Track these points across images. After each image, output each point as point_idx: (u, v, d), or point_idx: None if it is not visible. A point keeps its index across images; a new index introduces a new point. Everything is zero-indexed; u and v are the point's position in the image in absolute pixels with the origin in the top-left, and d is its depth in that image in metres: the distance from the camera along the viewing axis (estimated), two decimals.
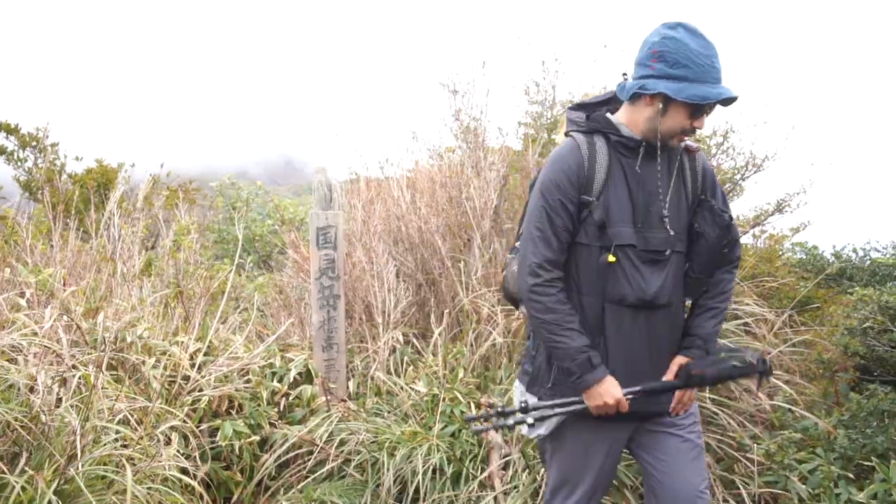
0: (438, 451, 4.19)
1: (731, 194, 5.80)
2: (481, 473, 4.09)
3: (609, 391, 2.73)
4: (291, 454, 4.42)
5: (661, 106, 2.65)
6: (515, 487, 3.96)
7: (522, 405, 2.87)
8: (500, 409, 2.89)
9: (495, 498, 3.95)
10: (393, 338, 5.46)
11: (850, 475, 3.68)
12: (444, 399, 4.60)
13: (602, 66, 11.41)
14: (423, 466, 4.07)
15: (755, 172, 5.45)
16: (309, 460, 4.38)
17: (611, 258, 2.79)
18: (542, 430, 2.90)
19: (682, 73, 2.59)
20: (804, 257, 5.06)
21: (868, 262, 5.09)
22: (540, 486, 3.88)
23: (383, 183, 6.97)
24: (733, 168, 5.54)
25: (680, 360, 2.89)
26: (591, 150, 2.78)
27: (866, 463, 3.72)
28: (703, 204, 2.87)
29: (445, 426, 4.42)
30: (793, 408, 4.16)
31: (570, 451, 2.91)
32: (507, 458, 4.14)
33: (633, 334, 2.78)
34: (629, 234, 2.76)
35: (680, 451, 2.90)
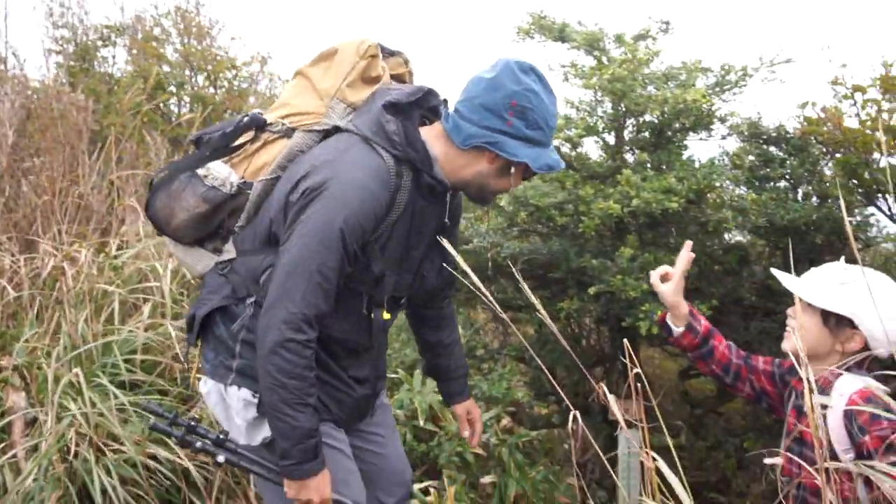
0: None
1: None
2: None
3: (321, 488, 2.32)
4: None
5: (513, 171, 2.31)
6: (36, 448, 3.51)
7: (221, 437, 2.43)
8: (191, 425, 2.43)
9: (15, 464, 3.47)
10: None
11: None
12: None
13: None
14: None
15: None
16: None
17: (385, 315, 2.46)
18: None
19: (537, 137, 2.26)
20: None
21: None
22: (68, 445, 3.48)
23: None
24: (272, 95, 5.44)
25: (468, 406, 2.85)
26: (397, 183, 2.30)
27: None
28: (437, 247, 2.50)
29: None
30: None
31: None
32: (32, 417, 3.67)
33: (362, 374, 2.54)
34: (392, 283, 2.43)
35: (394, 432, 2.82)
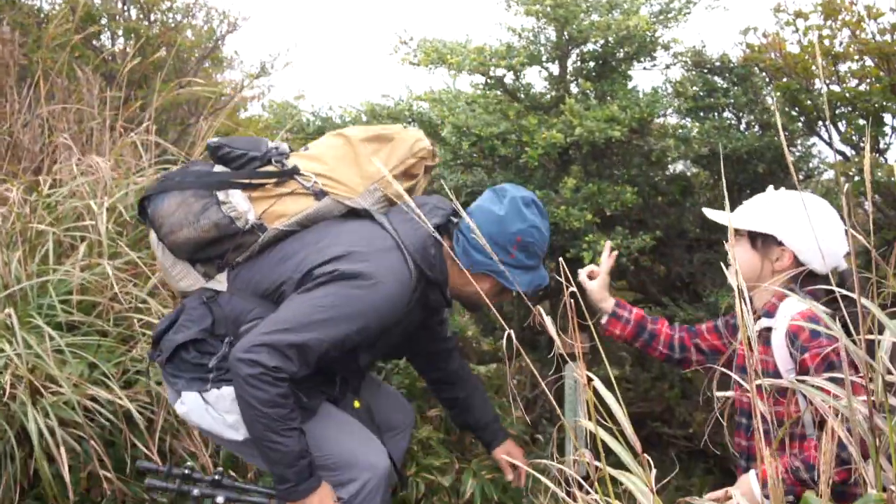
0: None
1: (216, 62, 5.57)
2: None
3: (324, 502, 2.41)
4: None
5: (514, 294, 2.62)
6: None
7: (217, 478, 2.52)
8: (186, 472, 2.53)
9: None
10: None
11: None
12: None
13: None
14: None
15: (230, 33, 5.25)
16: None
17: (356, 404, 2.66)
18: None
19: (534, 264, 2.53)
20: (277, 115, 5.01)
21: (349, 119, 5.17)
22: (4, 387, 3.39)
23: None
24: (209, 29, 5.26)
25: (507, 448, 2.98)
26: (413, 296, 2.48)
27: None
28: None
29: None
30: None
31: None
32: None
33: None
34: (367, 366, 2.69)
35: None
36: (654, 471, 1.72)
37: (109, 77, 5.40)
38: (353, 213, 2.55)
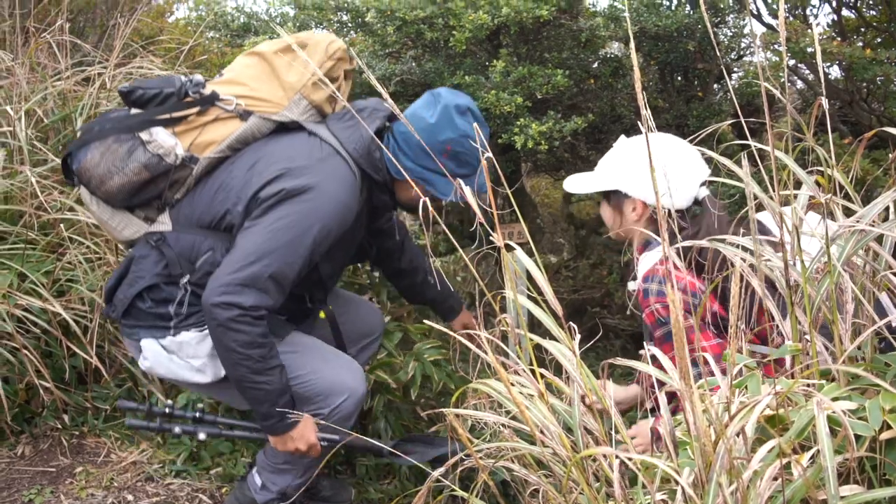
0: None
1: None
2: None
3: (305, 435, 2.43)
4: None
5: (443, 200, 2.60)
6: None
7: (198, 414, 2.54)
8: (167, 411, 2.55)
9: None
10: None
11: None
12: None
13: None
14: None
15: None
16: None
17: (322, 314, 2.67)
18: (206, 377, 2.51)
19: (466, 172, 2.45)
20: (203, 14, 4.82)
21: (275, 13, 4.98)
22: None
23: None
24: None
25: (461, 320, 3.10)
26: (362, 198, 2.51)
27: None
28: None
29: None
30: None
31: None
32: None
33: None
34: (333, 280, 2.68)
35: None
36: (578, 337, 1.74)
37: None
38: (283, 128, 2.54)
